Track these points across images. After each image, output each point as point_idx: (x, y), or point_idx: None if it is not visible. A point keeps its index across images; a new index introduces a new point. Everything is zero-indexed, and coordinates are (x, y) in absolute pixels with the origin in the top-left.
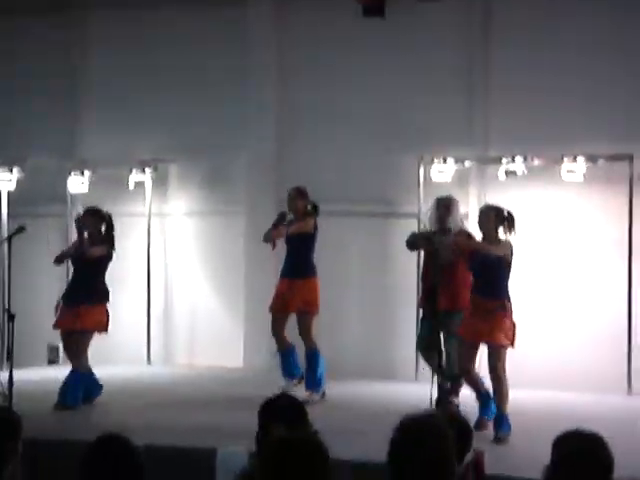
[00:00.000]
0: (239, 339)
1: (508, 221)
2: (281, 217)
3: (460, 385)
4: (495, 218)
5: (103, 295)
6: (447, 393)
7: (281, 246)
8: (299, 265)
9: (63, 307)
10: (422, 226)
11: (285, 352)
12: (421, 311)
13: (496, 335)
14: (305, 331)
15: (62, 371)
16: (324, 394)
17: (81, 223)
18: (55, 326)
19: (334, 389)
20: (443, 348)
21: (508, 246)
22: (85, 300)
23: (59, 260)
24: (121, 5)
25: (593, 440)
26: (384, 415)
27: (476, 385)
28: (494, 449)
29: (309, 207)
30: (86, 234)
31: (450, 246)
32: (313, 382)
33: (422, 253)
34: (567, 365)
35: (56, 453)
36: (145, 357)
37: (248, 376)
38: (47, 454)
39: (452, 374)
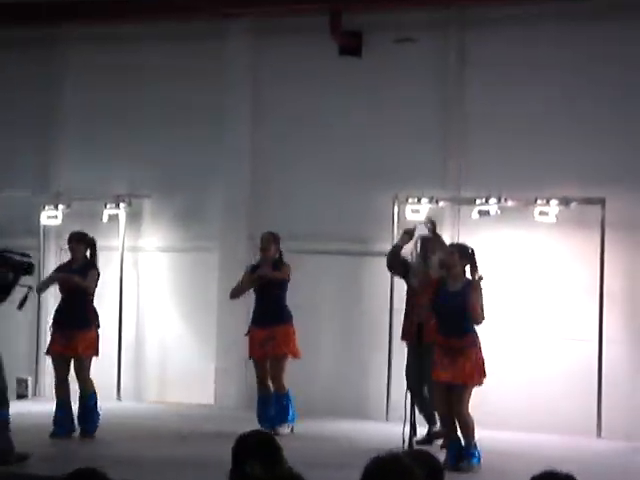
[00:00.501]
0: (210, 376)
1: (472, 259)
2: (252, 269)
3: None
4: (460, 258)
5: (96, 319)
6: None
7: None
8: (276, 311)
9: (56, 334)
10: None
11: (267, 397)
12: (406, 345)
13: (468, 376)
14: (279, 374)
15: (31, 405)
16: (292, 428)
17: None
18: (49, 352)
19: (306, 427)
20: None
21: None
22: (80, 325)
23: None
24: (97, 41)
25: None
26: (355, 453)
27: (450, 430)
28: None
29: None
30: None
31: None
32: (282, 418)
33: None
34: (537, 407)
35: None
36: (115, 393)
37: (219, 413)
38: None
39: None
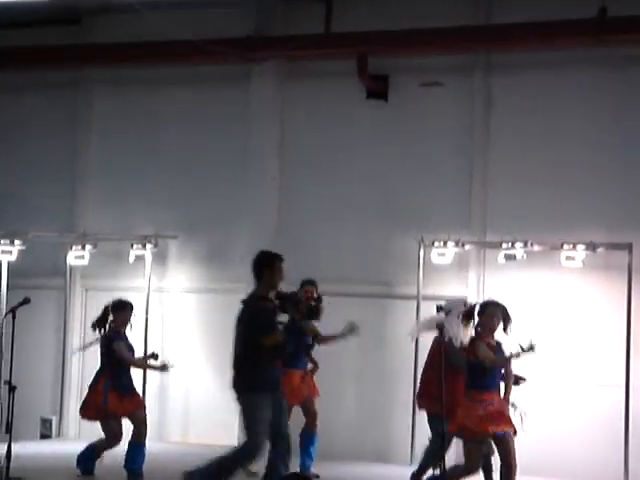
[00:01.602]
0: (234, 417)
1: (508, 319)
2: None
3: None
4: (499, 318)
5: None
6: None
7: None
8: (303, 355)
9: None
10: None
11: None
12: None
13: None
14: (315, 413)
15: (55, 445)
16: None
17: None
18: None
19: (331, 470)
20: None
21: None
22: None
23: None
24: (123, 83)
25: None
26: None
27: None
28: None
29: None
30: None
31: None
32: (310, 461)
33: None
34: (562, 453)
35: None
36: None
37: None
38: None
39: None
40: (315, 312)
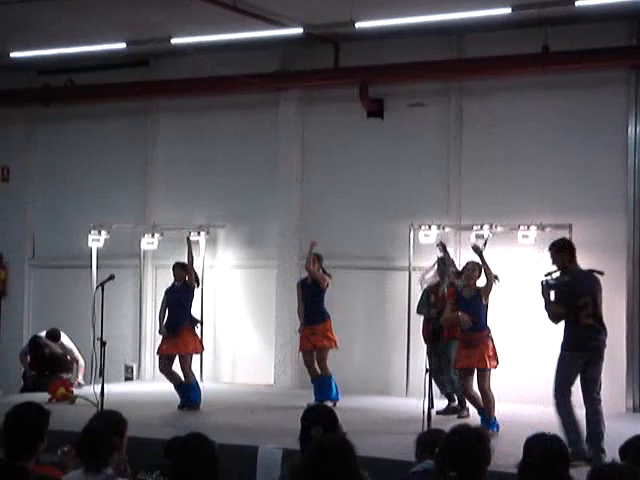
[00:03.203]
0: (271, 363)
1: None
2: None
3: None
4: (478, 273)
5: (193, 322)
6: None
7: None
8: (316, 313)
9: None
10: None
11: (317, 380)
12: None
13: (486, 361)
14: (323, 361)
15: (136, 386)
16: (335, 404)
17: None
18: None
19: (345, 402)
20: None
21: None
22: (182, 327)
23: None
24: (182, 109)
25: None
26: (384, 421)
27: (476, 403)
28: None
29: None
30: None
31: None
32: (325, 395)
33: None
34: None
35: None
36: (199, 376)
37: (277, 391)
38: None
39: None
40: None
